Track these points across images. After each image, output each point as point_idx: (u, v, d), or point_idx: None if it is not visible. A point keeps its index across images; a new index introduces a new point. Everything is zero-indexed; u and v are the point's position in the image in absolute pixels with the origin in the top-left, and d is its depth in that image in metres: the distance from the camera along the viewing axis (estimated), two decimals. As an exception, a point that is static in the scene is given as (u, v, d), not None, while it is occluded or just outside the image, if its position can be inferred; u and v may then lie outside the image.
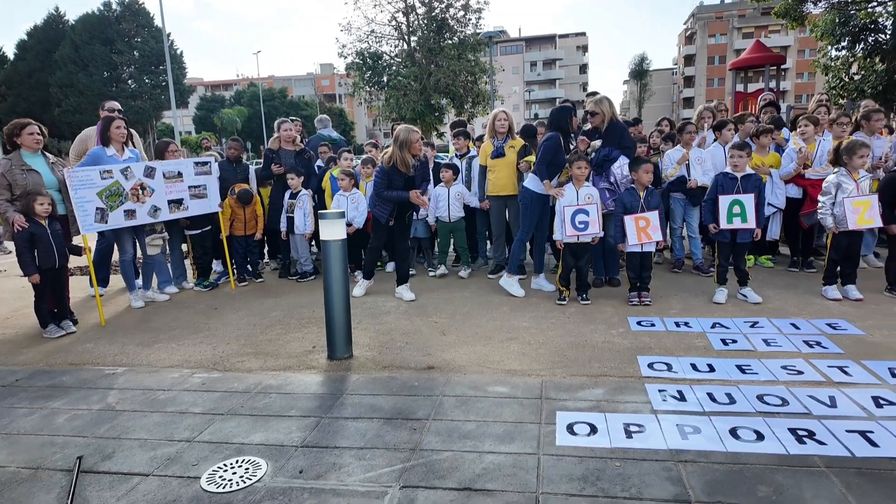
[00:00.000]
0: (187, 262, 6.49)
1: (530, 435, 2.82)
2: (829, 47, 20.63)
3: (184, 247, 6.36)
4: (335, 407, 3.23)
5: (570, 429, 2.86)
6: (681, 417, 2.95)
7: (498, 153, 5.83)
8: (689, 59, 73.75)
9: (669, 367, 3.61)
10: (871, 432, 2.71)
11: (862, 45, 19.42)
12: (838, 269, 4.84)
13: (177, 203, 5.53)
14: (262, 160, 6.95)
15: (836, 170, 4.83)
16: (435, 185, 6.29)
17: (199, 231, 6.08)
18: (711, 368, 3.56)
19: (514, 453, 2.66)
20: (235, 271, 6.30)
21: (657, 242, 4.90)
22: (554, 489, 2.37)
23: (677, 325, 4.41)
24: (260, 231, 6.40)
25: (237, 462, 2.69)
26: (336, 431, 2.94)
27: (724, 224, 4.79)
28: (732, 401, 3.11)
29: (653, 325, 4.44)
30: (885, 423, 2.79)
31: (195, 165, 5.68)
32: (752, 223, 4.71)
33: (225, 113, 53.58)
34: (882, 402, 3.03)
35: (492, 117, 6.01)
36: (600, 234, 4.93)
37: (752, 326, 4.30)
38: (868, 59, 19.47)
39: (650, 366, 3.65)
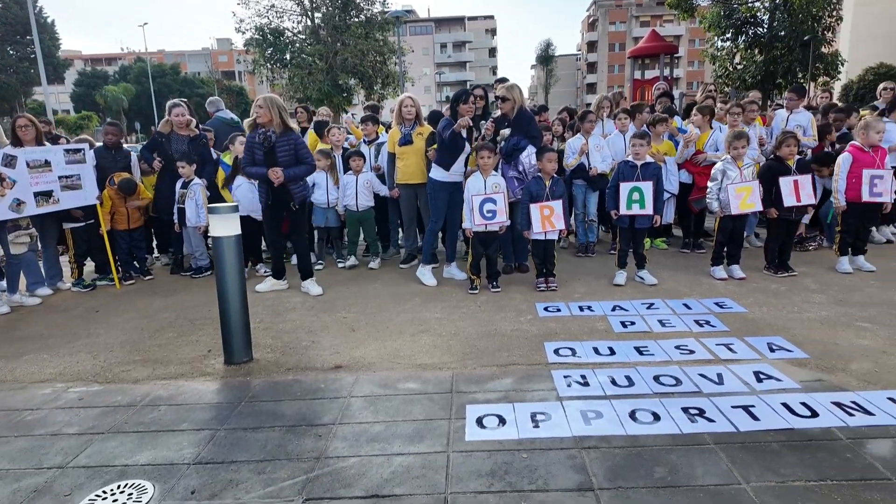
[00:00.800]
0: (64, 260, 5.84)
1: (440, 432, 2.77)
2: (716, 38, 22.29)
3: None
4: (233, 417, 3.01)
5: (479, 422, 2.85)
6: (584, 403, 3.02)
7: (406, 140, 5.69)
8: (591, 46, 76.90)
9: (574, 353, 3.70)
10: (753, 406, 2.92)
11: (743, 38, 21.13)
12: (724, 250, 5.21)
13: (45, 195, 4.92)
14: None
15: (722, 157, 5.16)
16: (345, 173, 6.07)
17: (83, 224, 5.48)
18: (612, 351, 3.70)
19: (424, 453, 2.60)
20: (120, 269, 5.75)
21: (560, 230, 5.01)
22: (463, 488, 2.34)
23: (581, 309, 4.55)
24: (143, 213, 5.85)
25: (119, 487, 2.43)
26: (233, 444, 2.74)
27: (623, 210, 4.98)
28: (631, 383, 3.24)
29: (559, 310, 4.55)
30: (765, 397, 3.01)
31: (66, 153, 5.08)
32: (649, 209, 4.93)
33: (109, 90, 48.85)
34: (762, 376, 3.27)
35: (398, 104, 5.86)
36: (507, 222, 4.97)
37: (648, 308, 4.52)
38: (749, 51, 21.24)
39: (556, 352, 3.73)
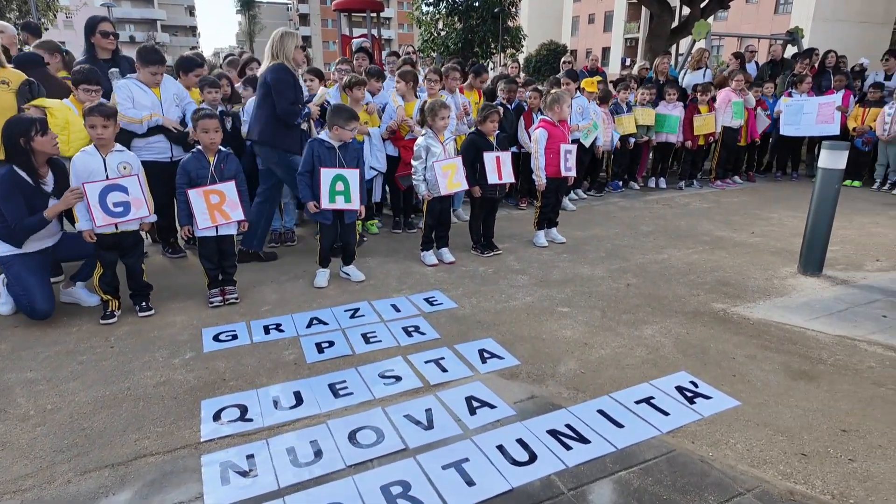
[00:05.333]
0: None
1: None
2: (422, 2, 22.86)
3: None
4: None
5: None
6: (244, 517, 2.00)
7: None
8: (302, -5, 73.41)
9: (243, 413, 2.62)
10: (467, 461, 2.29)
11: (445, 4, 22.06)
12: (433, 233, 4.69)
13: None
14: None
15: (423, 131, 4.54)
16: None
17: None
18: (299, 400, 2.74)
19: None
20: None
21: (239, 223, 3.78)
22: None
23: (267, 330, 3.47)
24: None
25: None
26: None
27: (325, 204, 3.95)
28: (318, 455, 2.33)
29: (235, 336, 3.39)
30: (478, 439, 2.42)
31: None
32: (356, 203, 4.01)
33: None
34: (475, 403, 2.71)
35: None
36: (151, 216, 3.50)
37: (352, 316, 3.69)
38: (450, 17, 22.31)
39: (217, 416, 2.59)
